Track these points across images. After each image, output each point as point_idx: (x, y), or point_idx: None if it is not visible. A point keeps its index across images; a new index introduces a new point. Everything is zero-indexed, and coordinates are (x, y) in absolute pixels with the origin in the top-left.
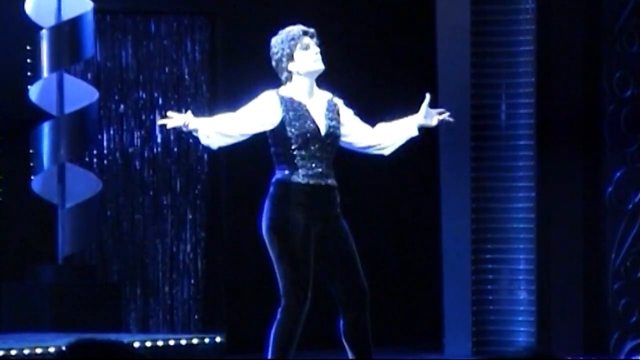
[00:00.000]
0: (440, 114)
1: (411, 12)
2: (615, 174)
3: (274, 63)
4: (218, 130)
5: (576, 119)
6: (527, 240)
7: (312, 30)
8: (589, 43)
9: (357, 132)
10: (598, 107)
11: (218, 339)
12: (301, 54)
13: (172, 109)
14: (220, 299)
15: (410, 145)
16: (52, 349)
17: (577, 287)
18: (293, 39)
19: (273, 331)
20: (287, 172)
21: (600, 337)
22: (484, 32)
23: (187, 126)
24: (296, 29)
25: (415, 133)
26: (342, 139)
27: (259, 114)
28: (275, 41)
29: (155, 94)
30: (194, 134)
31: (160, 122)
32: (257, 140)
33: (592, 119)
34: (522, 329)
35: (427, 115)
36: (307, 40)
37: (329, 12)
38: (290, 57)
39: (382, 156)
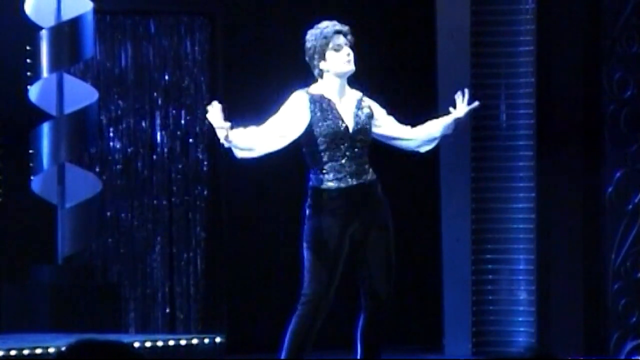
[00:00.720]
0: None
1: (411, 12)
2: (615, 174)
3: (307, 58)
4: (252, 146)
5: (576, 119)
6: (527, 240)
7: (346, 28)
8: (589, 43)
9: (388, 123)
10: (598, 107)
11: (218, 340)
12: (332, 54)
13: (171, 110)
14: (220, 299)
15: None
16: (51, 350)
17: (577, 287)
18: (325, 37)
19: (290, 327)
20: (317, 177)
21: (600, 337)
22: (484, 32)
23: (223, 133)
24: (330, 27)
25: (449, 131)
26: (375, 129)
27: (290, 125)
28: (309, 36)
29: (155, 95)
30: (227, 144)
31: (210, 108)
32: None
33: (592, 119)
34: (522, 329)
35: (458, 110)
36: (339, 39)
37: (328, 12)
38: (322, 56)
39: (379, 144)
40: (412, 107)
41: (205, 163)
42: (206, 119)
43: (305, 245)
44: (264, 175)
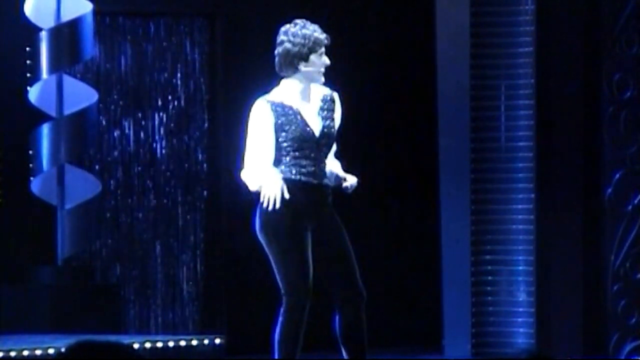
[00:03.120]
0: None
1: (411, 12)
2: (615, 175)
3: (282, 51)
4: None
5: (576, 120)
6: (527, 241)
7: (328, 40)
8: (589, 44)
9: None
10: (597, 108)
11: (217, 341)
12: (316, 60)
13: (171, 111)
14: (220, 300)
15: (409, 146)
16: (51, 350)
17: (577, 288)
18: (317, 42)
19: (277, 333)
20: (278, 170)
21: (599, 338)
22: (484, 33)
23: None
24: (322, 36)
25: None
26: None
27: (270, 135)
28: (294, 32)
29: (155, 96)
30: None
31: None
32: None
33: (592, 120)
34: (521, 330)
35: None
36: (322, 49)
37: (328, 12)
38: (306, 57)
39: (379, 145)
40: (412, 108)
41: (205, 164)
42: (207, 124)
43: (266, 239)
44: None
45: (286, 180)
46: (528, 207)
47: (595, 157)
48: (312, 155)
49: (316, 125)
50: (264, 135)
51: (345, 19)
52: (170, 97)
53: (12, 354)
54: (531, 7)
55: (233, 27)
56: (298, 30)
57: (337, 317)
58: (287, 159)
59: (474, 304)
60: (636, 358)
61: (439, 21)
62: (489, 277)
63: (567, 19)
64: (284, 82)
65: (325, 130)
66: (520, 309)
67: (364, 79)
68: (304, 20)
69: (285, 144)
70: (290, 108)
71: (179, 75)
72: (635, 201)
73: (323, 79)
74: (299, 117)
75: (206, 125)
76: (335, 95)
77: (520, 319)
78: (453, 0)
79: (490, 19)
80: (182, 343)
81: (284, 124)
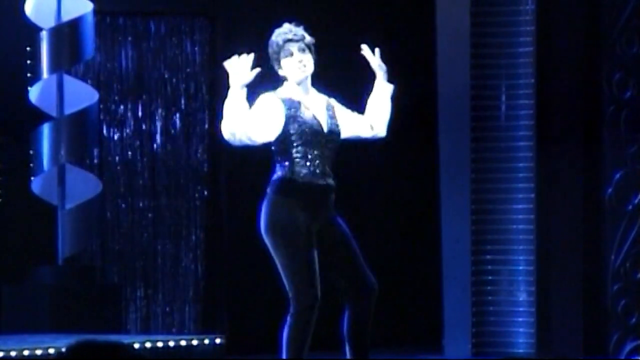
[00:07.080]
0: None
1: (411, 12)
2: (615, 175)
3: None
4: (240, 122)
5: (576, 120)
6: (527, 241)
7: (297, 34)
8: (589, 44)
9: (355, 122)
10: (598, 108)
11: (218, 340)
12: (286, 62)
13: (171, 111)
14: (221, 300)
15: (410, 145)
16: (52, 350)
17: (577, 288)
18: (278, 45)
19: (285, 336)
20: (287, 170)
21: (600, 338)
22: (484, 32)
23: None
24: (280, 37)
25: (387, 86)
26: (345, 134)
27: (270, 122)
28: (269, 43)
29: (155, 95)
30: (231, 100)
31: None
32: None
33: (592, 120)
34: (521, 330)
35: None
36: (290, 46)
37: (328, 12)
38: (278, 64)
39: (379, 145)
40: (412, 108)
41: (205, 163)
42: (207, 124)
43: (273, 241)
44: (264, 175)
45: (296, 184)
46: (528, 207)
47: (595, 157)
48: (319, 152)
49: (324, 121)
50: (263, 119)
51: (345, 19)
52: (170, 97)
53: (13, 353)
54: (531, 7)
55: (233, 27)
56: (272, 36)
57: (346, 313)
58: (296, 154)
59: (474, 303)
60: (636, 358)
61: (439, 21)
62: (489, 277)
63: (567, 19)
64: (285, 83)
65: (332, 127)
66: (521, 309)
67: (364, 79)
68: (287, 23)
69: (294, 137)
70: (299, 102)
71: (179, 74)
72: (635, 201)
73: (303, 74)
74: (308, 110)
75: (206, 125)
76: (333, 102)
77: (520, 319)
78: (453, 0)
79: (490, 19)
80: (183, 343)
81: (295, 116)
